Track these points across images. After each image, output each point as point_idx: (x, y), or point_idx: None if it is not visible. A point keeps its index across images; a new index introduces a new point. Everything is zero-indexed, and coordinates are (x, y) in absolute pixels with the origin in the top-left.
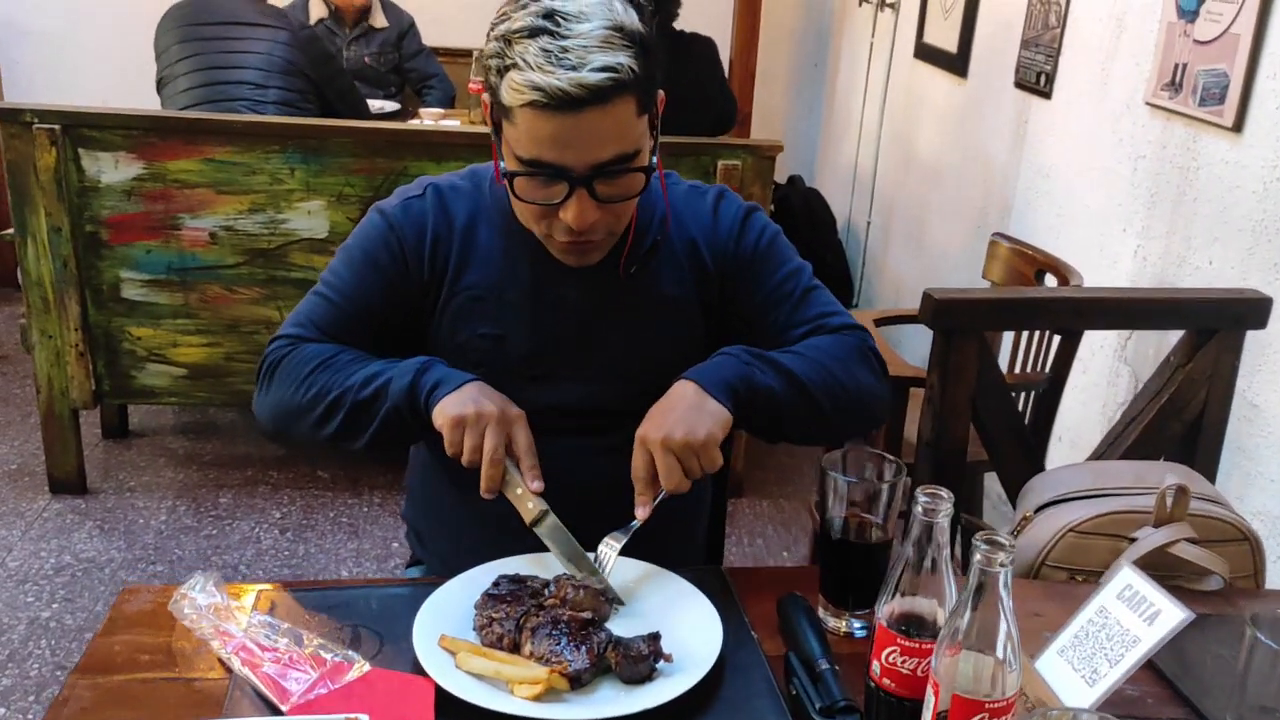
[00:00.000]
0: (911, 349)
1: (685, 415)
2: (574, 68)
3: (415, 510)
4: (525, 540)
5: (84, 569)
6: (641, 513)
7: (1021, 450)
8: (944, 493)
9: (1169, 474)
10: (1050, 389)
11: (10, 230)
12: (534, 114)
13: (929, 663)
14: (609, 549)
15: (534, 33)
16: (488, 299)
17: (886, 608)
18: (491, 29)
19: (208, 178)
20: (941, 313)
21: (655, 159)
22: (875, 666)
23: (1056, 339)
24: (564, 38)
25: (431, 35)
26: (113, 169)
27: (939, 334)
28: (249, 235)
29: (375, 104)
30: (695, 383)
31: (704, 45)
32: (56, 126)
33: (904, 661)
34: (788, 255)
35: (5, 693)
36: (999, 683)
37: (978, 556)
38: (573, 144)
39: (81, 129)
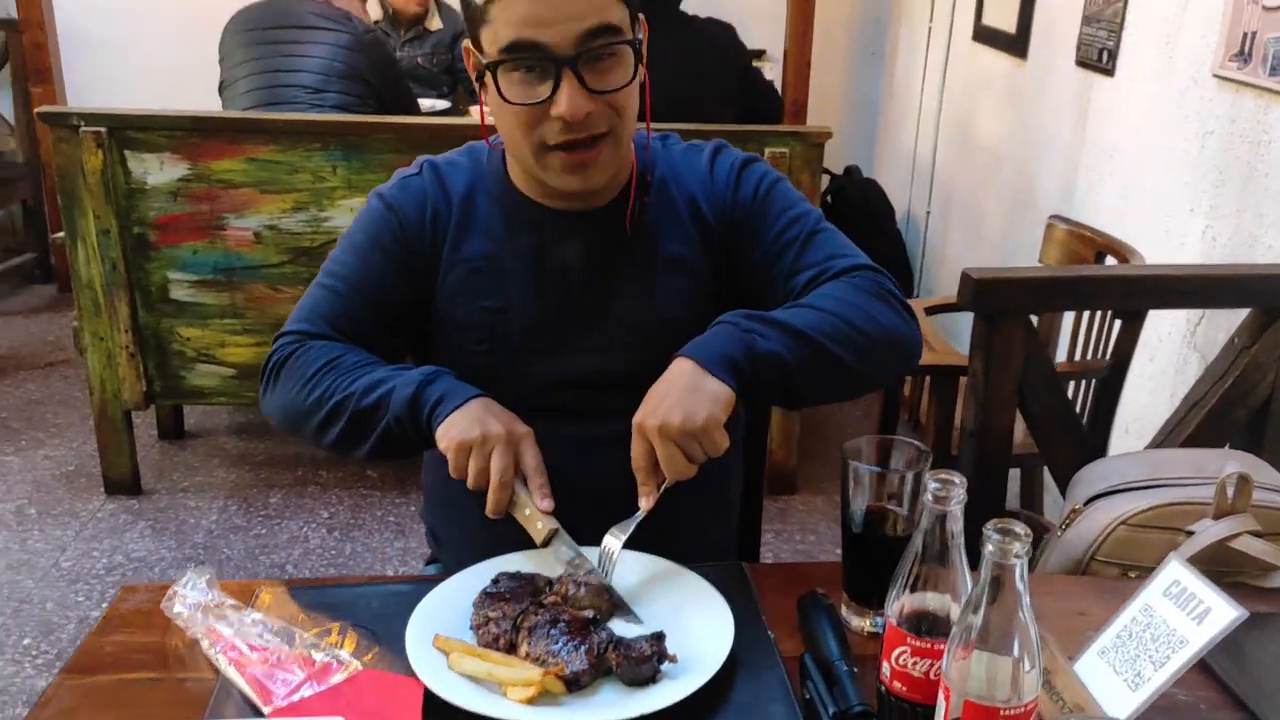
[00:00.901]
0: (966, 338)
1: (682, 398)
2: None
3: (431, 510)
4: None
5: (134, 568)
6: (645, 503)
7: (1073, 440)
8: (956, 478)
9: (1230, 463)
10: (1112, 376)
11: (61, 234)
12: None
13: (941, 665)
14: (613, 542)
15: None
16: (488, 270)
17: (896, 604)
18: None
19: (251, 177)
20: (982, 294)
21: (640, 130)
22: (885, 669)
23: (1118, 324)
24: None
25: None
26: (158, 170)
27: (980, 317)
28: (292, 234)
29: (426, 103)
30: (692, 360)
31: (715, 34)
32: (103, 129)
33: (915, 663)
34: (790, 200)
35: None
36: (1016, 686)
37: (989, 548)
38: (550, 18)
39: (127, 131)
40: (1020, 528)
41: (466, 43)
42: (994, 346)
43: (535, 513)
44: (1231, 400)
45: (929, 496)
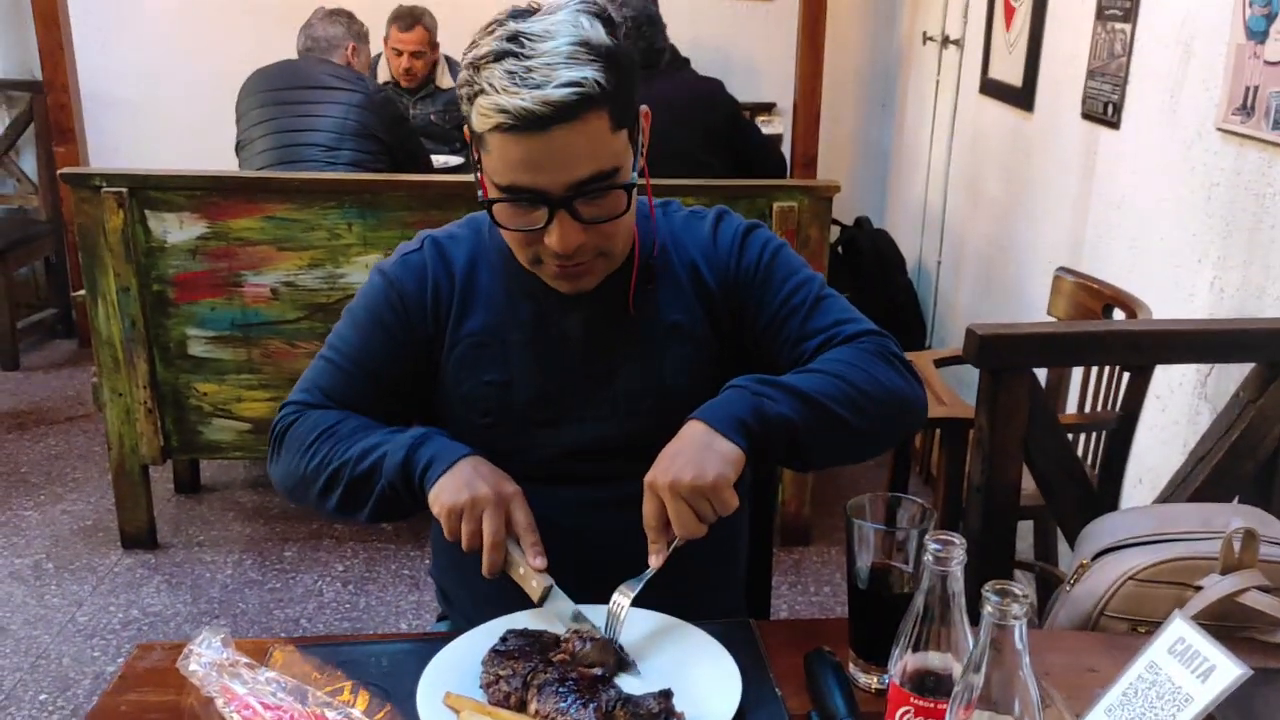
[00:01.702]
0: (975, 390)
1: (693, 457)
2: (538, 86)
3: (439, 568)
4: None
5: (150, 623)
6: (654, 561)
7: (1080, 494)
8: (956, 539)
9: (1236, 518)
10: (1122, 428)
11: (82, 291)
12: (504, 138)
13: None
14: (621, 600)
15: (499, 56)
16: (490, 344)
17: (899, 664)
18: (463, 57)
19: (269, 235)
20: (987, 349)
21: (639, 176)
22: None
23: (1127, 376)
24: (528, 58)
25: None
26: (178, 229)
27: (986, 372)
28: (309, 290)
29: (439, 159)
30: (704, 422)
31: (697, 83)
32: (124, 189)
33: None
34: (794, 267)
35: None
36: None
37: (988, 609)
38: (545, 165)
39: (147, 191)
40: (1019, 588)
41: (467, 129)
42: (999, 401)
43: (529, 571)
44: (1238, 454)
45: (929, 557)
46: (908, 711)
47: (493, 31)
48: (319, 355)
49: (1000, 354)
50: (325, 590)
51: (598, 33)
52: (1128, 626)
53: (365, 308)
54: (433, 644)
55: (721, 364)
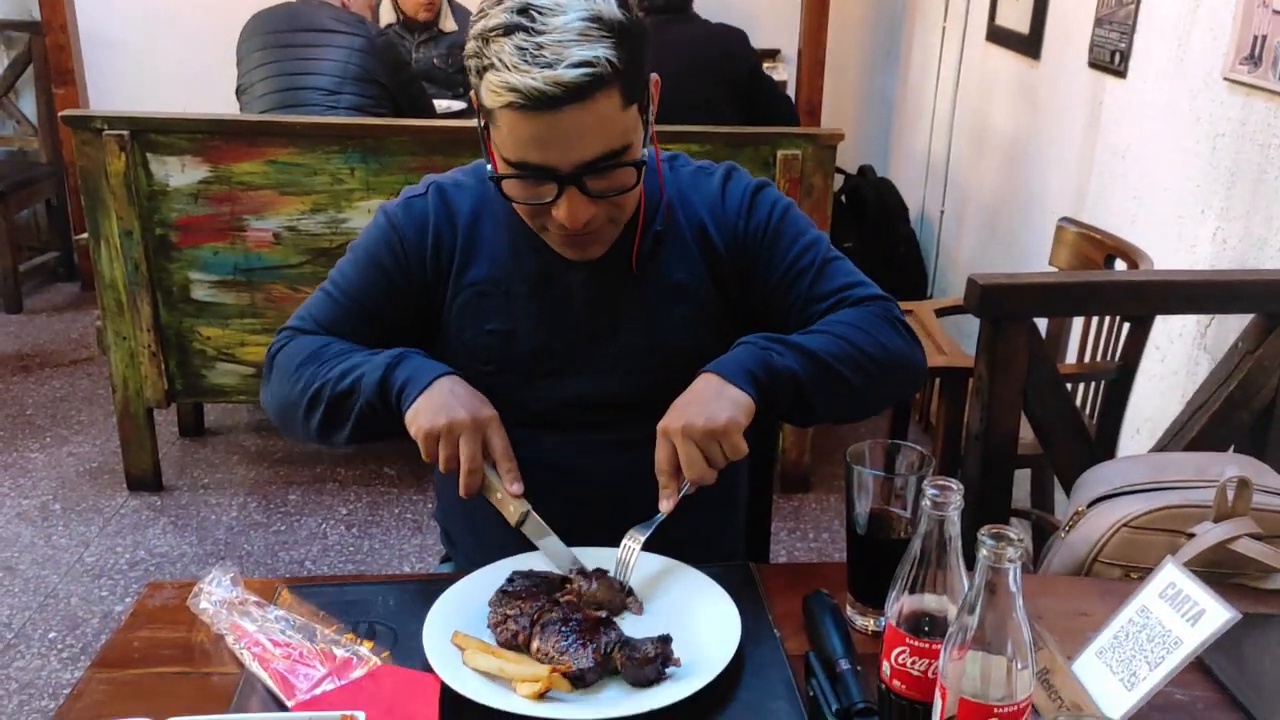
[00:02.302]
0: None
1: (706, 404)
2: (549, 65)
3: (442, 510)
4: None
5: (156, 564)
6: (665, 505)
7: (1077, 443)
8: (954, 484)
9: (1230, 466)
10: (1121, 378)
11: (85, 234)
12: (513, 115)
13: (938, 664)
14: (632, 544)
15: (509, 30)
16: (494, 294)
17: (896, 606)
18: (470, 26)
19: (271, 179)
20: (988, 299)
21: (649, 150)
22: (885, 668)
23: (1127, 326)
24: (539, 33)
25: None
26: (180, 172)
27: (986, 322)
28: (311, 235)
29: (442, 104)
30: (715, 373)
31: (726, 35)
32: (125, 132)
33: (914, 662)
34: (802, 228)
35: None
36: (1010, 686)
37: (984, 552)
38: (555, 144)
39: (149, 134)
40: (1014, 533)
41: (474, 96)
42: (999, 350)
43: (506, 496)
44: (1235, 404)
45: (927, 502)
46: (903, 652)
47: (501, 1)
48: (319, 287)
49: (1001, 304)
50: (329, 533)
51: (609, 6)
52: (1121, 573)
53: (366, 247)
54: (438, 585)
55: (725, 323)
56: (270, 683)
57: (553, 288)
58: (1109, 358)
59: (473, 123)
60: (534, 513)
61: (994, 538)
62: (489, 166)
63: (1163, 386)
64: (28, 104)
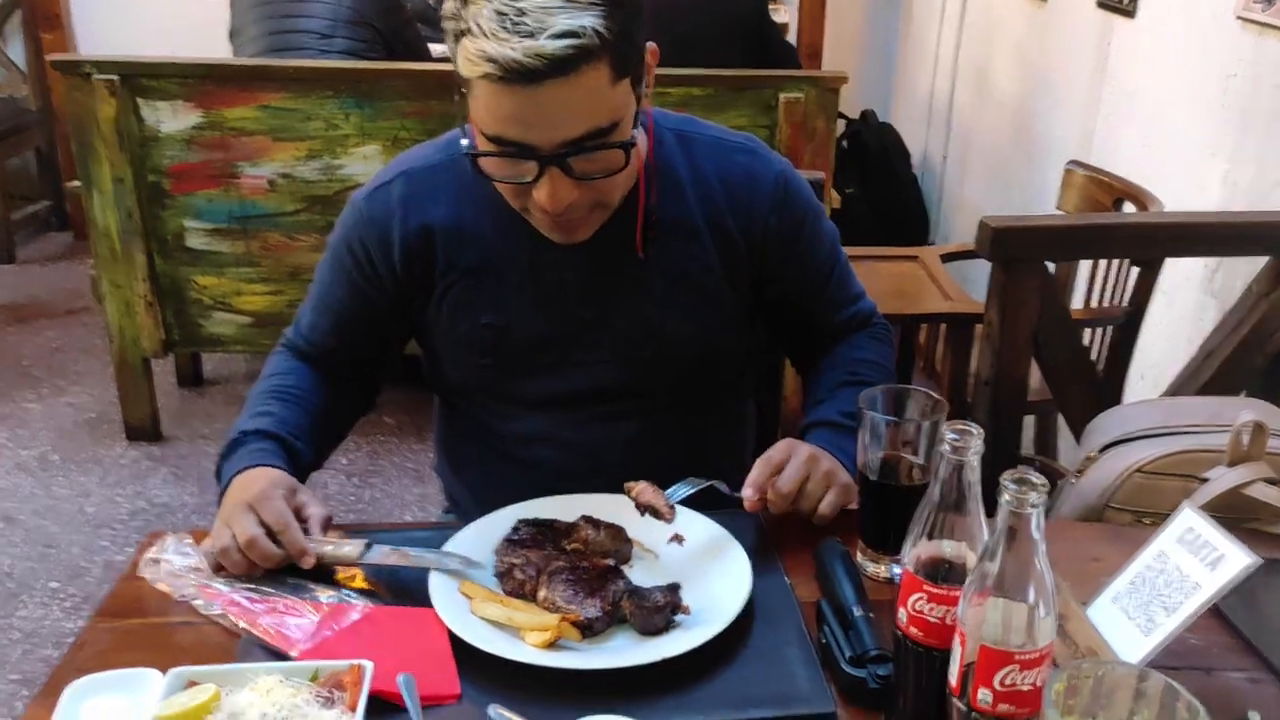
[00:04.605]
0: (982, 285)
1: (843, 471)
2: (530, 34)
3: (441, 463)
4: (535, 483)
5: (158, 514)
6: (750, 494)
7: (1088, 388)
8: (974, 429)
9: (1246, 410)
10: (1129, 323)
11: (76, 182)
12: (491, 88)
13: (957, 611)
14: (683, 487)
15: None
16: (485, 285)
17: (913, 552)
18: None
19: (265, 125)
20: (1000, 242)
21: (644, 124)
22: (902, 614)
23: (1135, 271)
24: None
25: None
26: (171, 118)
27: (997, 265)
28: (306, 182)
29: (437, 48)
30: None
31: None
32: (115, 77)
33: (932, 609)
34: (826, 229)
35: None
36: (1031, 632)
37: (1006, 496)
38: (535, 121)
39: (139, 79)
40: (1036, 477)
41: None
42: (1009, 294)
43: (337, 545)
44: (1248, 348)
45: (946, 446)
46: (920, 598)
47: None
48: (311, 285)
49: (1013, 246)
50: (330, 483)
51: None
52: (1132, 518)
53: (333, 245)
54: (443, 533)
55: (731, 315)
56: (265, 639)
57: (547, 273)
58: (1117, 302)
59: None
60: (373, 543)
61: (1016, 482)
62: (465, 141)
63: (1169, 333)
64: (16, 50)
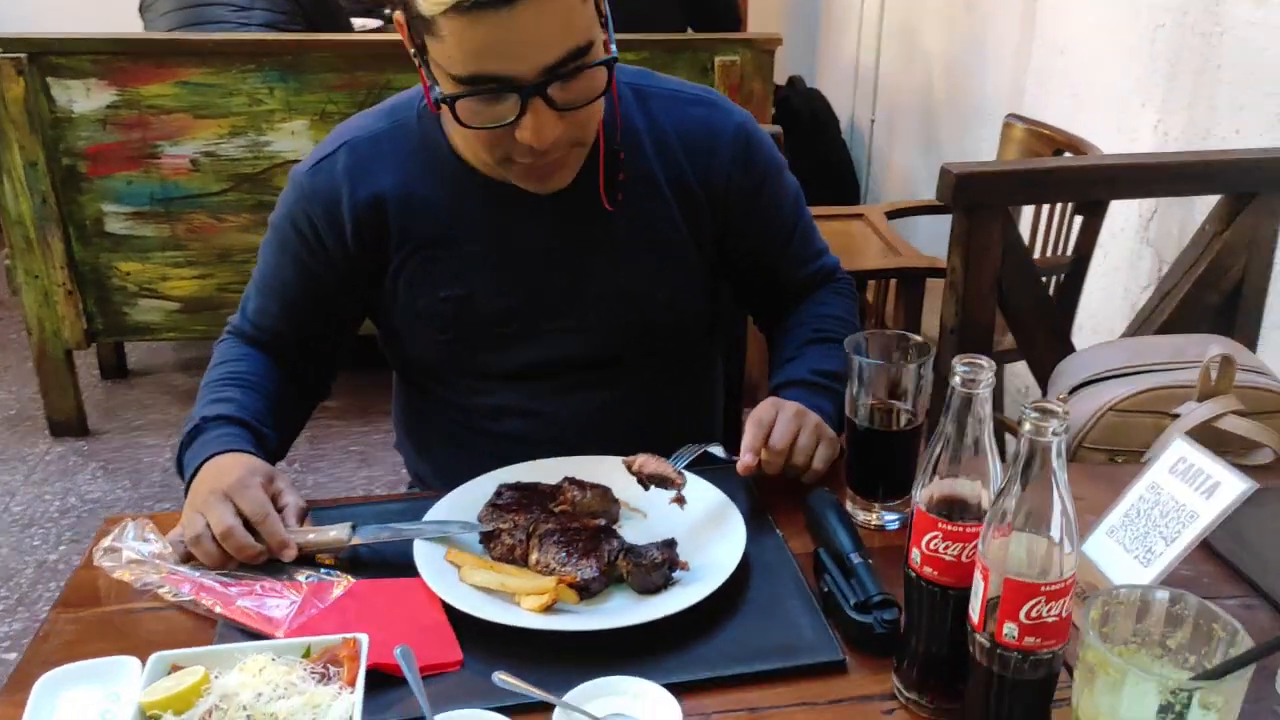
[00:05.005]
0: (925, 239)
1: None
2: None
3: (405, 444)
4: (506, 455)
5: (90, 509)
6: (749, 460)
7: (1052, 333)
8: (984, 361)
9: (1213, 345)
10: (1074, 272)
11: None
12: (460, 20)
13: (974, 547)
14: (684, 453)
15: None
16: (444, 256)
17: (925, 491)
18: None
19: (184, 102)
20: (962, 188)
21: (613, 49)
22: (915, 555)
23: (1078, 220)
24: None
25: None
26: (84, 97)
27: (960, 212)
28: (231, 160)
29: (358, 22)
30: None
31: None
32: (22, 55)
33: (947, 547)
34: (787, 180)
35: (17, 636)
36: (1056, 563)
37: (1027, 426)
38: (513, 47)
39: (48, 56)
40: (1057, 405)
41: (399, 16)
42: (974, 241)
43: (319, 533)
44: (1204, 286)
45: (957, 380)
46: (935, 537)
47: None
48: (255, 269)
49: (975, 192)
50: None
51: None
52: (1105, 457)
53: (275, 224)
54: (418, 505)
55: (697, 273)
56: (245, 622)
57: (509, 240)
58: (1060, 252)
59: (397, 36)
60: (358, 525)
61: (1037, 410)
62: (425, 98)
63: (1105, 282)
64: None
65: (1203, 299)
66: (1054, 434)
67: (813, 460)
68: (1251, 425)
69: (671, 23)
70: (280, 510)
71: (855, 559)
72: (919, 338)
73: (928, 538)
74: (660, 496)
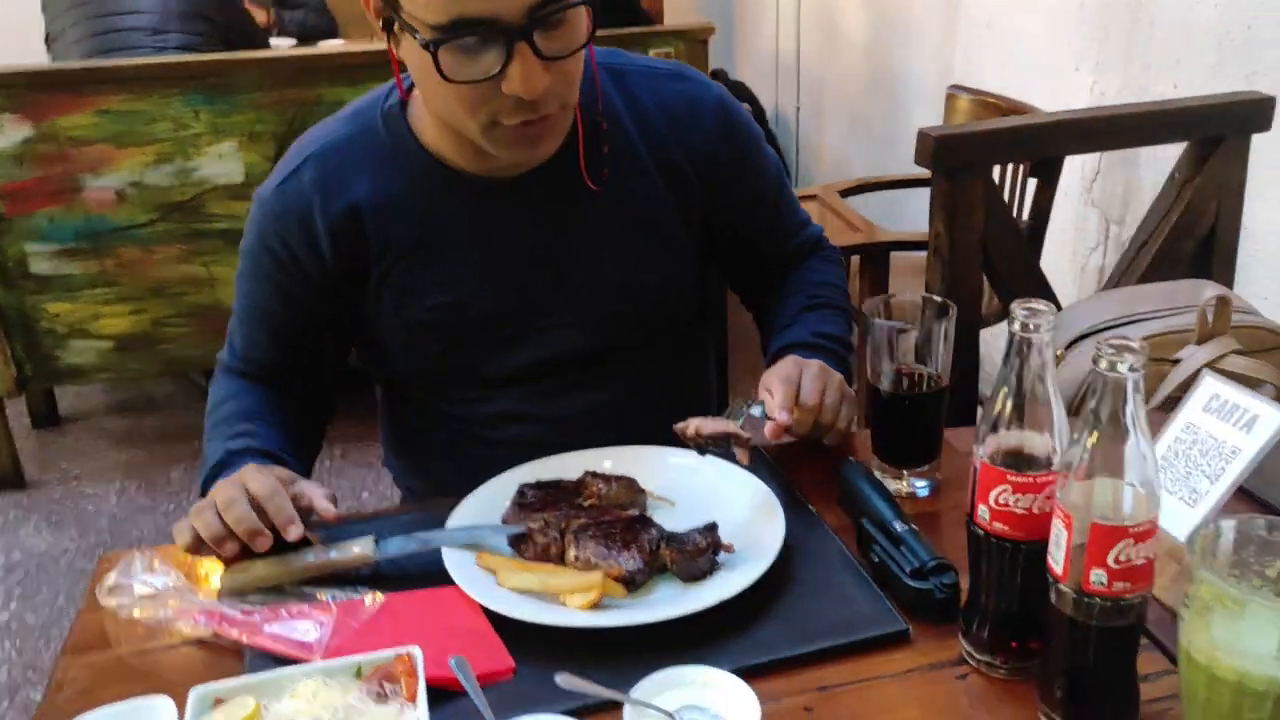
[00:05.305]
0: (874, 217)
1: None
2: None
3: (397, 462)
4: (510, 461)
5: (38, 564)
6: (785, 417)
7: (1040, 292)
8: (1043, 305)
9: (1206, 289)
10: (1032, 235)
11: None
12: None
13: (1046, 497)
14: (738, 410)
15: None
16: (428, 262)
17: (988, 444)
18: None
19: (105, 131)
20: (943, 150)
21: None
22: (982, 511)
23: (1032, 184)
24: None
25: None
26: None
27: (942, 176)
28: (159, 189)
29: (275, 42)
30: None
31: None
32: None
33: (1017, 500)
34: (768, 150)
35: None
36: (1141, 504)
37: (1103, 364)
38: None
39: None
40: (1136, 343)
41: None
42: (957, 204)
43: (344, 550)
44: (1178, 234)
45: (1016, 327)
46: (1004, 490)
47: None
48: (235, 301)
49: (957, 153)
50: None
51: None
52: None
53: (246, 250)
54: (433, 513)
55: (687, 253)
56: (278, 649)
57: (492, 238)
58: (1016, 216)
59: (323, 51)
60: (381, 539)
61: (1115, 348)
62: (417, 36)
63: (1053, 245)
64: None
65: (1178, 247)
66: (1131, 371)
67: (838, 419)
68: (1252, 363)
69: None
70: (306, 511)
71: (899, 527)
72: (936, 298)
73: (996, 492)
74: (685, 482)
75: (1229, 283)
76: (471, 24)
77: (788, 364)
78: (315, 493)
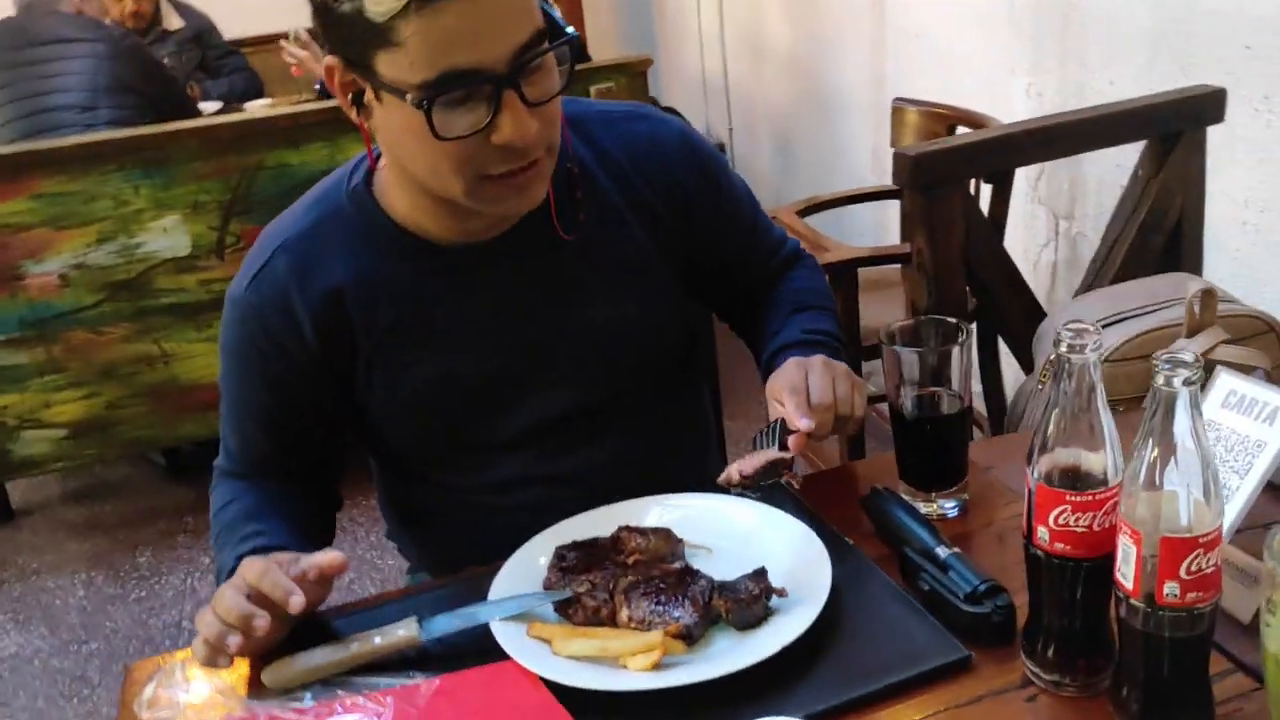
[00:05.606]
0: (833, 234)
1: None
2: None
3: (403, 534)
4: (523, 526)
5: (10, 667)
6: (805, 424)
7: (1022, 298)
8: (1089, 325)
9: (1190, 282)
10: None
11: None
12: (421, 15)
13: (1106, 514)
14: (765, 439)
15: None
16: (414, 338)
17: (1043, 463)
18: None
19: (41, 215)
20: (920, 168)
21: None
22: (1042, 533)
23: (987, 190)
24: None
25: (234, 27)
26: None
27: (918, 193)
28: (104, 269)
29: (206, 107)
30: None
31: None
32: None
33: (1078, 519)
34: (735, 175)
35: None
36: (1205, 514)
37: (1159, 379)
38: (483, 31)
39: None
40: (1188, 355)
41: (331, 61)
42: (937, 219)
43: (384, 636)
44: (1148, 229)
45: (1064, 348)
46: (1064, 510)
47: None
48: (221, 403)
49: (934, 170)
50: (199, 587)
51: None
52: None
53: (227, 349)
54: (462, 586)
55: (672, 291)
56: None
57: (474, 304)
58: None
59: (260, 115)
60: (424, 619)
61: (1169, 362)
62: (406, 77)
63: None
64: None
65: (1149, 243)
66: (1186, 385)
67: (854, 409)
68: (1242, 351)
69: None
70: (309, 579)
71: (943, 552)
72: (950, 319)
73: (1055, 513)
74: (716, 527)
75: (1197, 271)
76: (460, 75)
77: (789, 369)
78: (319, 558)
